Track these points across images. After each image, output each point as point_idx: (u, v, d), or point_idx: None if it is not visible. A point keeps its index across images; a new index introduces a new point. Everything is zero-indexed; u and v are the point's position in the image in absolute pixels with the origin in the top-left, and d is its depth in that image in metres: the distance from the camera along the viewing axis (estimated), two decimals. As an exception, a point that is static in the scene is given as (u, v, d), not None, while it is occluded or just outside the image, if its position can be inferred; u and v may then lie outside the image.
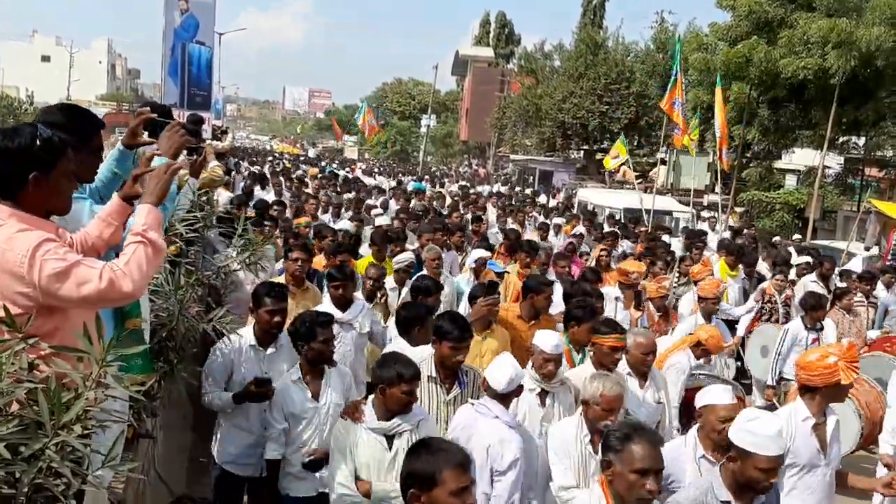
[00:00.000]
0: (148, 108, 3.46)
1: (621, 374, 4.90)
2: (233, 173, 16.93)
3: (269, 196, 14.12)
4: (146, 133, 3.42)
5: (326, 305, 5.71)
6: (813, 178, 18.28)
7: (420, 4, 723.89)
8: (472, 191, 24.85)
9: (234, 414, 4.69)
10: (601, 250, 10.24)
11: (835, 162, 28.34)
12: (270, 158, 38.36)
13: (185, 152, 6.95)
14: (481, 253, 8.32)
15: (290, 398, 4.48)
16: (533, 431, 4.59)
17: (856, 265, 12.10)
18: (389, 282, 7.18)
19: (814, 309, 7.93)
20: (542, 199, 25.74)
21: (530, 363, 4.74)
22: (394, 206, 16.32)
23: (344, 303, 5.79)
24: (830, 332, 8.18)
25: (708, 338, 6.29)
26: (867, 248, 14.56)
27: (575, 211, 18.42)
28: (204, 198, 5.77)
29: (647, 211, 15.82)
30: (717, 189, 22.00)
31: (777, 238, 20.17)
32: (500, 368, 4.22)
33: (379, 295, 6.71)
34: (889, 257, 13.96)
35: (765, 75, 20.34)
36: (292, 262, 6.47)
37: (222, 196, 10.68)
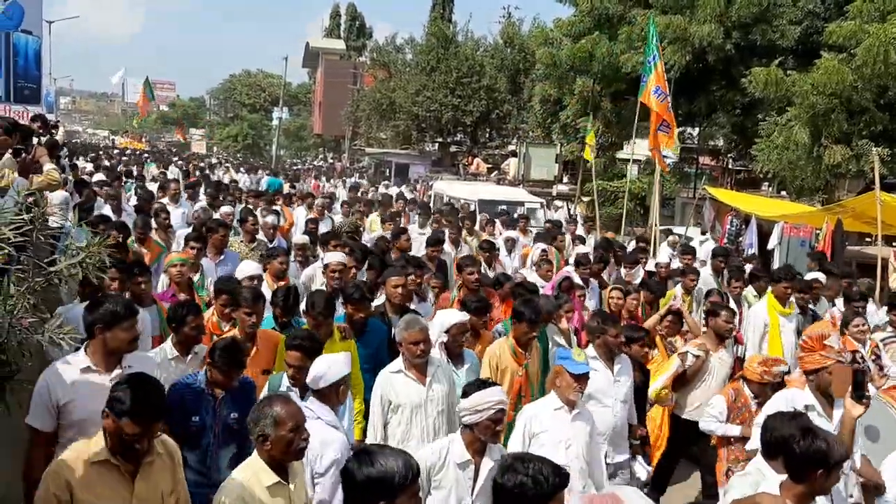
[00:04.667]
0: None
1: None
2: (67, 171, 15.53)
3: (105, 210, 10.63)
4: None
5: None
6: (652, 168, 19.15)
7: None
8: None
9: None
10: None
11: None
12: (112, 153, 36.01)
13: (9, 153, 6.34)
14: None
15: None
16: None
17: (703, 251, 12.67)
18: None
19: None
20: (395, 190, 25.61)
21: None
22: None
23: None
24: None
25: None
26: (703, 233, 15.32)
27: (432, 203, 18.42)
28: (31, 199, 5.22)
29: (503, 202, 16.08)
30: (566, 179, 22.78)
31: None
32: (314, 365, 4.10)
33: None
34: (724, 240, 14.79)
35: (607, 70, 21.14)
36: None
37: (55, 196, 9.88)
